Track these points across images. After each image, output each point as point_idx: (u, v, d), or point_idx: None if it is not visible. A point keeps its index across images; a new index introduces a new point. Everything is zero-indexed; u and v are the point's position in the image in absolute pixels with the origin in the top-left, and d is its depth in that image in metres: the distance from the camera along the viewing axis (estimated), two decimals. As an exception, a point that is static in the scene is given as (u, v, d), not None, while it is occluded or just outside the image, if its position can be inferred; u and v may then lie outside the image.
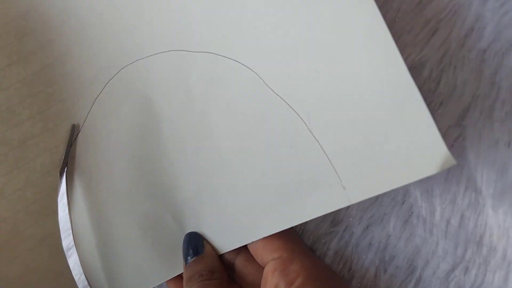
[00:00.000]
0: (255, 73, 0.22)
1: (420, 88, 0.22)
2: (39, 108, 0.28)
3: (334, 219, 0.24)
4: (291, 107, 0.21)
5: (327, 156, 0.20)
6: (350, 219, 0.24)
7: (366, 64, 0.18)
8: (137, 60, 0.26)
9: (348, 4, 0.19)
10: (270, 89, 0.21)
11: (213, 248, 0.23)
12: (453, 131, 0.22)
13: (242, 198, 0.22)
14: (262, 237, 0.21)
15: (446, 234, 0.21)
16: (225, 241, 0.23)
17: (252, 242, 0.22)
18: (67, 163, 0.28)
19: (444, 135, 0.22)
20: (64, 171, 0.28)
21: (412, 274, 0.22)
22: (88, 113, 0.27)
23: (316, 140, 0.20)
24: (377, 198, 0.23)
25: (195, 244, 0.23)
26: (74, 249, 0.29)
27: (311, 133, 0.20)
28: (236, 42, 0.22)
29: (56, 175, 0.27)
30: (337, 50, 0.19)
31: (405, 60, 0.23)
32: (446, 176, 0.22)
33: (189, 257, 0.23)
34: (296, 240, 0.22)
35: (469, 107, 0.21)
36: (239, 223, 0.22)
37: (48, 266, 0.26)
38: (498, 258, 0.20)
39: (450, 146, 0.22)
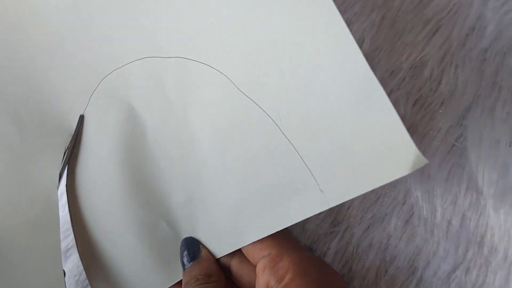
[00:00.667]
0: (226, 76, 0.22)
1: (421, 88, 0.23)
2: (32, 126, 0.28)
3: (335, 219, 0.24)
4: (262, 110, 0.20)
5: (302, 159, 0.19)
6: (351, 219, 0.24)
7: (327, 63, 0.18)
8: (114, 70, 0.26)
9: (307, 4, 0.18)
10: (242, 92, 0.21)
11: (210, 252, 0.23)
12: (454, 131, 0.22)
13: (228, 203, 0.22)
14: (251, 241, 0.21)
15: (447, 235, 0.21)
16: (219, 245, 0.23)
17: None
18: (68, 166, 0.28)
19: (445, 135, 0.22)
20: (65, 170, 0.28)
21: (413, 274, 0.22)
22: (80, 125, 0.28)
23: (290, 142, 0.20)
24: (377, 198, 0.23)
25: (192, 249, 0.23)
26: (73, 249, 0.29)
27: (284, 135, 0.20)
28: (204, 46, 0.22)
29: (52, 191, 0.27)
30: (298, 50, 0.19)
31: (406, 59, 0.23)
32: (447, 176, 0.22)
33: (186, 263, 0.23)
34: (285, 236, 0.22)
35: (470, 107, 0.21)
36: (229, 228, 0.22)
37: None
38: (499, 258, 0.20)
39: (451, 146, 0.22)
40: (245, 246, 0.22)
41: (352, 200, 0.24)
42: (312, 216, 0.25)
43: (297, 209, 0.20)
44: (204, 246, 0.24)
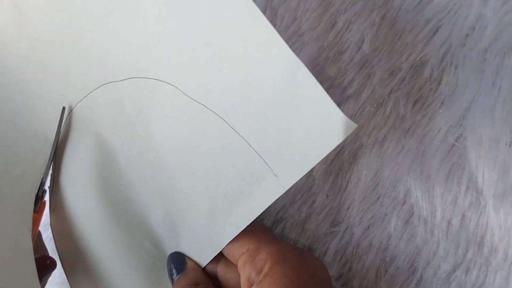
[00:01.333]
0: (174, 86, 0.23)
1: (421, 88, 0.23)
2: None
3: (335, 219, 0.24)
4: (211, 111, 0.21)
5: (253, 149, 0.20)
6: (351, 219, 0.24)
7: (254, 54, 0.19)
8: (78, 103, 0.27)
9: (229, 4, 0.20)
10: (190, 98, 0.22)
11: (196, 263, 0.24)
12: (454, 131, 0.21)
13: (201, 210, 0.23)
14: (228, 241, 0.21)
15: (447, 235, 0.21)
16: (202, 254, 0.23)
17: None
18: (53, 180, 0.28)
19: (445, 135, 0.22)
20: (48, 174, 0.28)
21: (413, 274, 0.22)
22: (51, 160, 0.28)
23: (240, 136, 0.21)
24: (377, 198, 0.23)
25: (177, 262, 0.24)
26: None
27: (235, 130, 0.21)
28: (151, 62, 0.23)
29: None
30: (228, 47, 0.20)
31: (406, 59, 0.23)
32: (447, 176, 0.22)
33: (174, 277, 0.23)
34: (261, 230, 0.22)
35: (470, 107, 0.21)
36: (207, 234, 0.23)
37: None
38: (499, 258, 0.20)
39: (451, 146, 0.22)
40: (226, 248, 0.22)
41: (352, 200, 0.24)
42: (312, 216, 0.25)
43: (259, 200, 0.20)
44: (189, 258, 0.24)
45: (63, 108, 0.28)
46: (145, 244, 0.26)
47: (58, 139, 0.28)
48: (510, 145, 0.20)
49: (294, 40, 0.26)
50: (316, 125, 0.18)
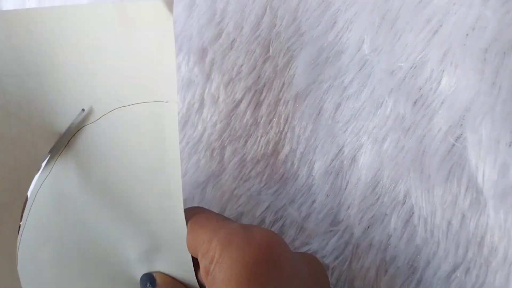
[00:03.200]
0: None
1: (421, 88, 0.23)
2: None
3: (334, 218, 0.24)
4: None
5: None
6: (351, 219, 0.24)
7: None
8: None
9: None
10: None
11: (166, 275, 0.23)
12: (454, 131, 0.21)
13: (155, 220, 0.23)
14: (182, 237, 0.21)
15: (447, 235, 0.21)
16: (176, 266, 0.23)
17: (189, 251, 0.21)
18: None
19: (445, 134, 0.22)
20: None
21: (413, 274, 0.22)
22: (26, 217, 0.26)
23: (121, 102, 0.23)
24: (377, 198, 0.23)
25: (146, 281, 0.23)
26: None
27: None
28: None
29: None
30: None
31: (406, 59, 0.23)
32: (447, 176, 0.22)
33: None
34: (214, 219, 0.21)
35: (470, 107, 0.21)
36: (169, 240, 0.23)
37: None
38: (499, 258, 0.20)
39: (451, 146, 0.22)
40: (189, 248, 0.21)
41: (352, 200, 0.24)
42: (312, 216, 0.25)
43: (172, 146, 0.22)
44: (158, 272, 0.23)
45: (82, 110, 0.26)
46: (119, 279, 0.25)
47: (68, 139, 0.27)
48: (510, 145, 0.20)
49: (294, 40, 0.26)
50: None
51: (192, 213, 0.21)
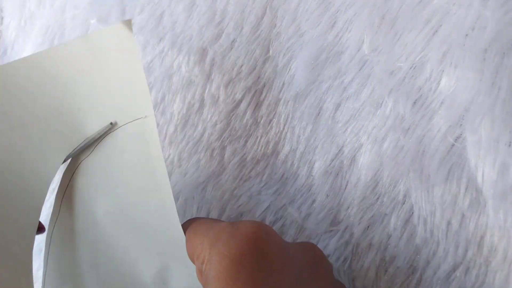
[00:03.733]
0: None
1: (421, 88, 0.23)
2: None
3: (334, 218, 0.24)
4: None
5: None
6: (350, 219, 0.24)
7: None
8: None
9: None
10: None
11: None
12: (453, 131, 0.22)
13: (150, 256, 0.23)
14: (184, 249, 0.21)
15: (447, 235, 0.21)
16: (191, 282, 0.23)
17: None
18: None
19: (445, 134, 0.22)
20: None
21: (413, 274, 0.22)
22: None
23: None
24: (377, 198, 0.23)
25: None
26: None
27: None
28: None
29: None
30: None
31: (406, 59, 0.23)
32: (446, 176, 0.22)
33: None
34: (205, 224, 0.21)
35: (469, 107, 0.21)
36: (175, 255, 0.23)
37: None
38: (499, 258, 0.20)
39: (451, 146, 0.22)
40: (191, 258, 0.21)
41: (352, 200, 0.24)
42: (312, 216, 0.25)
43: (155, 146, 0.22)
44: None
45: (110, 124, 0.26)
46: None
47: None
48: (509, 145, 0.20)
49: (294, 40, 0.26)
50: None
51: (188, 224, 0.21)
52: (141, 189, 0.23)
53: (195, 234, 0.20)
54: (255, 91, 0.28)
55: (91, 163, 0.24)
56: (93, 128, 0.24)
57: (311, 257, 0.20)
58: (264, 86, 0.28)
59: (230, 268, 0.17)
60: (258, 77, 0.28)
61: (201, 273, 0.19)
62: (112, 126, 0.26)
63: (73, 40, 0.24)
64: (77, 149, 0.26)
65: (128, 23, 0.23)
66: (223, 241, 0.18)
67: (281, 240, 0.19)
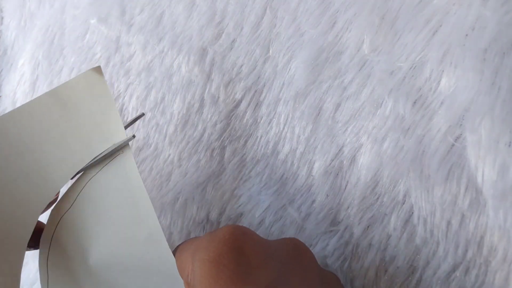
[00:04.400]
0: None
1: (421, 88, 0.23)
2: None
3: (334, 218, 0.24)
4: None
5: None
6: (350, 219, 0.24)
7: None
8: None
9: None
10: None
11: None
12: (453, 131, 0.21)
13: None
14: (177, 276, 0.21)
15: (447, 235, 0.21)
16: None
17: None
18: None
19: (445, 134, 0.22)
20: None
21: (413, 274, 0.22)
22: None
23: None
24: (377, 198, 0.23)
25: None
26: None
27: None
28: None
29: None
30: None
31: (406, 59, 0.23)
32: (446, 176, 0.22)
33: None
34: (194, 244, 0.21)
35: (469, 107, 0.21)
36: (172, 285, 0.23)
37: None
38: (499, 258, 0.20)
39: (451, 146, 0.22)
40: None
41: (352, 200, 0.24)
42: (312, 216, 0.25)
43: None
44: None
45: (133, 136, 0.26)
46: None
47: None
48: (509, 145, 0.20)
49: (294, 40, 0.26)
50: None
51: (177, 248, 0.22)
52: (128, 225, 0.23)
53: (181, 252, 0.21)
54: (255, 91, 0.28)
55: (74, 214, 0.24)
56: (66, 178, 0.24)
57: (293, 250, 0.20)
58: (264, 86, 0.28)
59: (211, 269, 0.17)
60: (258, 77, 0.28)
61: (188, 286, 0.19)
62: (133, 138, 0.26)
63: (38, 96, 0.25)
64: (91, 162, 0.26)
65: (98, 69, 0.24)
66: (203, 248, 0.18)
67: (259, 237, 0.19)
